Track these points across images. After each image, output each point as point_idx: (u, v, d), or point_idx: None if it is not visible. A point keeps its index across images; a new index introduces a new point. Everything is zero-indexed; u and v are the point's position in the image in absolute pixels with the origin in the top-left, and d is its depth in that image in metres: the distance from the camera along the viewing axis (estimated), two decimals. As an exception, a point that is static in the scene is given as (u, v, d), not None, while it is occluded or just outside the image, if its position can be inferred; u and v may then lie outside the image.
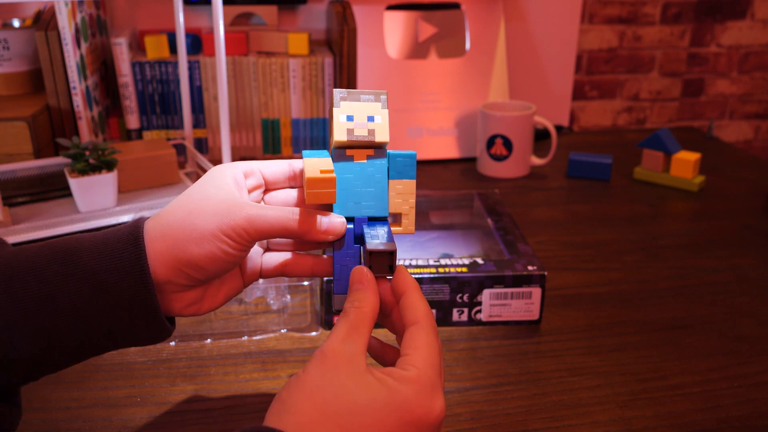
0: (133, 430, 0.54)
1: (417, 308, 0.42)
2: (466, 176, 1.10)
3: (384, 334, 0.63)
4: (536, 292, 0.68)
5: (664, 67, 1.46)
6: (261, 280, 0.70)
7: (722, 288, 0.76)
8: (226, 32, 1.07)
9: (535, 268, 0.68)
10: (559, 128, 1.35)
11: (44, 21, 0.96)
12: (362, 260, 0.45)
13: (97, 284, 0.40)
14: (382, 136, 0.45)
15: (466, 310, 0.68)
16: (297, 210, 0.43)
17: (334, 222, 0.44)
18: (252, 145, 1.15)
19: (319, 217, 0.43)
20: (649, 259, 0.83)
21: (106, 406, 0.56)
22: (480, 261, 0.69)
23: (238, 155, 1.15)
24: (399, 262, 0.68)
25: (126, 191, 0.90)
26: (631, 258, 0.83)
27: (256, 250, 0.49)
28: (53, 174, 0.90)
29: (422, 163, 1.15)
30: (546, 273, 0.68)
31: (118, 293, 0.40)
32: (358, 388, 0.37)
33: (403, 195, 0.47)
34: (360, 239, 0.45)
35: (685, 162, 1.03)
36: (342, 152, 0.46)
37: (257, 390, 0.59)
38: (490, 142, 1.08)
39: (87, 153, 0.82)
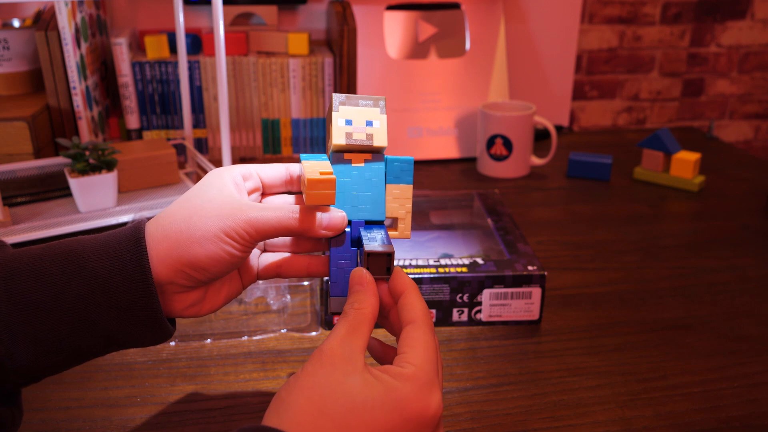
0: (133, 430, 0.54)
1: (414, 307, 0.42)
2: (466, 176, 1.10)
3: (384, 335, 0.63)
4: (536, 292, 0.68)
5: (664, 67, 1.46)
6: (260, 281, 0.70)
7: (722, 288, 0.76)
8: (226, 32, 1.07)
9: (535, 268, 0.68)
10: (559, 128, 1.35)
11: (44, 21, 0.96)
12: (359, 262, 0.45)
13: (99, 286, 0.40)
14: (380, 140, 0.46)
15: (466, 310, 0.68)
16: (297, 208, 0.43)
17: (334, 217, 0.44)
18: (252, 145, 1.15)
19: (319, 213, 0.44)
20: (649, 259, 0.83)
21: (106, 406, 0.56)
22: (480, 261, 0.69)
23: (238, 155, 1.15)
24: (399, 263, 0.68)
25: (126, 191, 0.90)
26: (631, 258, 0.83)
27: (253, 251, 0.49)
28: (53, 174, 0.89)
29: (422, 163, 1.14)
30: (546, 273, 0.68)
31: (120, 294, 0.40)
32: (356, 386, 0.37)
33: (399, 199, 0.47)
34: (357, 242, 0.45)
35: (685, 162, 1.03)
36: (340, 156, 0.46)
37: (257, 390, 0.59)
38: (490, 142, 1.08)
39: (87, 153, 0.82)
